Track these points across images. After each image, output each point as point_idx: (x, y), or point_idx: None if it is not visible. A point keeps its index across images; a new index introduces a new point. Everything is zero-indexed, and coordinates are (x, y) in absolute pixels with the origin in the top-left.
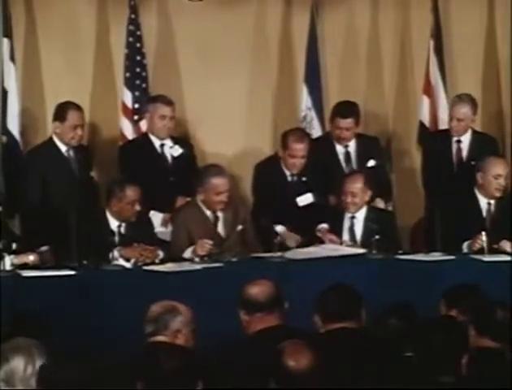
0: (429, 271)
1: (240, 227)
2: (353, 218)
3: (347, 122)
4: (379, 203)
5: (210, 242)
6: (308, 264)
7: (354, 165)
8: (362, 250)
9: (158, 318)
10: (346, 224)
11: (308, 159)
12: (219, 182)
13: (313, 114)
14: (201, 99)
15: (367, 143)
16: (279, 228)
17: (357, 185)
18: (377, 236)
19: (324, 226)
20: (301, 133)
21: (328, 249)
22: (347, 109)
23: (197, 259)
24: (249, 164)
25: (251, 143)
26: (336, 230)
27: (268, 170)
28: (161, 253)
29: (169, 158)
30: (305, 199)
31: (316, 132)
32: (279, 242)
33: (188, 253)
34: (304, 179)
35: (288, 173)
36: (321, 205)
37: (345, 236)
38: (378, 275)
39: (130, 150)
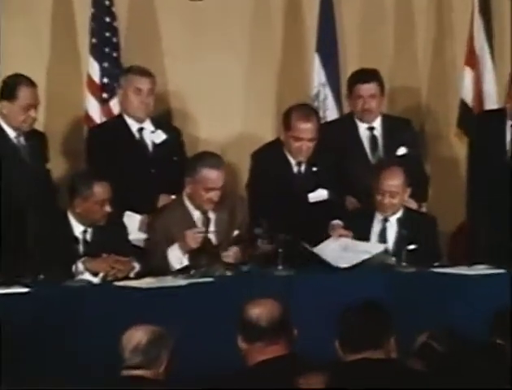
0: (472, 288)
1: (236, 233)
2: (385, 220)
3: (369, 87)
4: (411, 203)
5: (203, 230)
6: (320, 277)
7: (381, 153)
8: (382, 246)
9: (146, 348)
10: (376, 228)
11: (319, 145)
12: (211, 175)
13: (327, 91)
14: (188, 75)
15: (396, 125)
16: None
17: (396, 182)
18: (413, 246)
19: (338, 222)
20: (308, 110)
21: (344, 245)
22: (367, 73)
23: (181, 275)
24: (247, 154)
25: (250, 129)
26: (360, 236)
27: (268, 158)
28: (137, 266)
29: (149, 145)
30: (317, 196)
31: (331, 113)
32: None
33: (174, 251)
34: (314, 169)
35: (293, 162)
36: (338, 204)
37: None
38: (410, 291)
39: (99, 136)
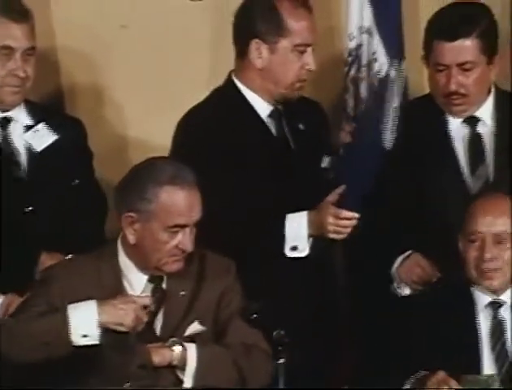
0: None
1: (200, 329)
2: (495, 306)
3: (463, 46)
4: None
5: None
6: None
7: (490, 168)
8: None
9: None
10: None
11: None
12: (178, 201)
13: (376, 41)
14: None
15: None
16: None
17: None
18: None
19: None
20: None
21: None
22: (462, 19)
23: None
24: None
25: None
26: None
27: (227, 116)
28: None
29: (22, 154)
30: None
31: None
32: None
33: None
34: (301, 127)
35: (267, 109)
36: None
37: None
38: None
39: None
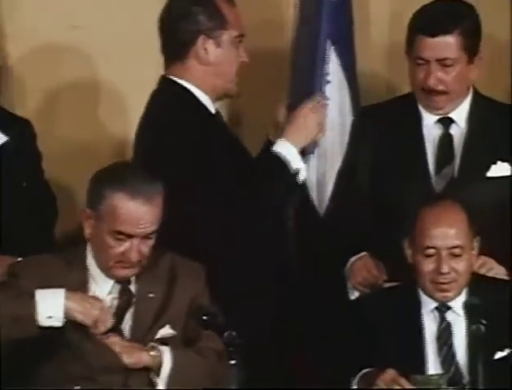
0: None
1: (171, 333)
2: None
3: (444, 42)
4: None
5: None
6: None
7: (456, 167)
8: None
9: None
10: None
11: None
12: (130, 209)
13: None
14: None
15: (496, 117)
16: None
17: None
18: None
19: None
20: None
21: None
22: (446, 16)
23: None
24: None
25: None
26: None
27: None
28: None
29: None
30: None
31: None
32: None
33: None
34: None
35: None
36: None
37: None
38: None
39: None
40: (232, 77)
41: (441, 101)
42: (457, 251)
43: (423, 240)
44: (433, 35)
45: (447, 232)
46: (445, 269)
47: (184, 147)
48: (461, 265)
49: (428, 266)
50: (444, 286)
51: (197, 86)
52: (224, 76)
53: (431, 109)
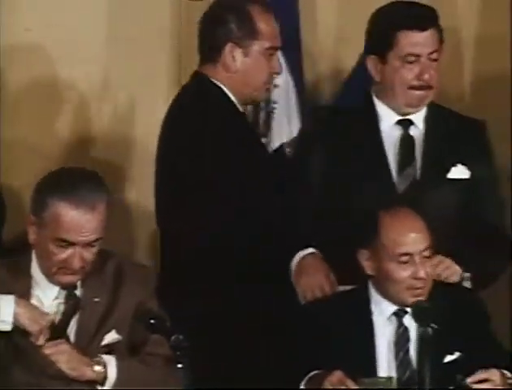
0: None
1: (116, 338)
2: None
3: (432, 35)
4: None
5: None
6: None
7: (418, 169)
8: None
9: None
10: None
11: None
12: (73, 216)
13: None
14: None
15: (455, 125)
16: None
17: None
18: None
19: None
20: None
21: None
22: (425, 10)
23: None
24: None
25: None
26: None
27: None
28: None
29: None
30: None
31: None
32: None
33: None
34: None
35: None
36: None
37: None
38: None
39: None
40: (259, 86)
41: (428, 97)
42: (427, 253)
43: (396, 248)
44: (423, 29)
45: (417, 237)
46: (423, 274)
47: (215, 138)
48: (430, 267)
49: (403, 272)
50: (419, 291)
51: (226, 87)
52: (251, 85)
53: (414, 107)
